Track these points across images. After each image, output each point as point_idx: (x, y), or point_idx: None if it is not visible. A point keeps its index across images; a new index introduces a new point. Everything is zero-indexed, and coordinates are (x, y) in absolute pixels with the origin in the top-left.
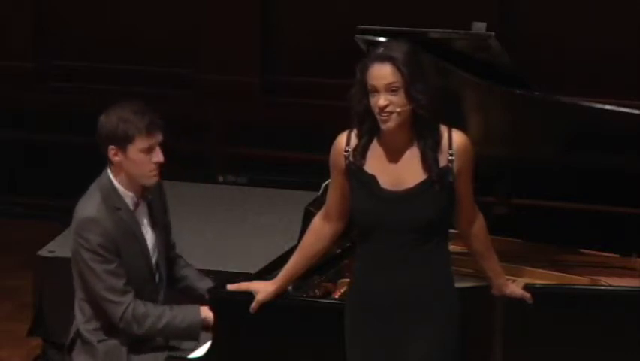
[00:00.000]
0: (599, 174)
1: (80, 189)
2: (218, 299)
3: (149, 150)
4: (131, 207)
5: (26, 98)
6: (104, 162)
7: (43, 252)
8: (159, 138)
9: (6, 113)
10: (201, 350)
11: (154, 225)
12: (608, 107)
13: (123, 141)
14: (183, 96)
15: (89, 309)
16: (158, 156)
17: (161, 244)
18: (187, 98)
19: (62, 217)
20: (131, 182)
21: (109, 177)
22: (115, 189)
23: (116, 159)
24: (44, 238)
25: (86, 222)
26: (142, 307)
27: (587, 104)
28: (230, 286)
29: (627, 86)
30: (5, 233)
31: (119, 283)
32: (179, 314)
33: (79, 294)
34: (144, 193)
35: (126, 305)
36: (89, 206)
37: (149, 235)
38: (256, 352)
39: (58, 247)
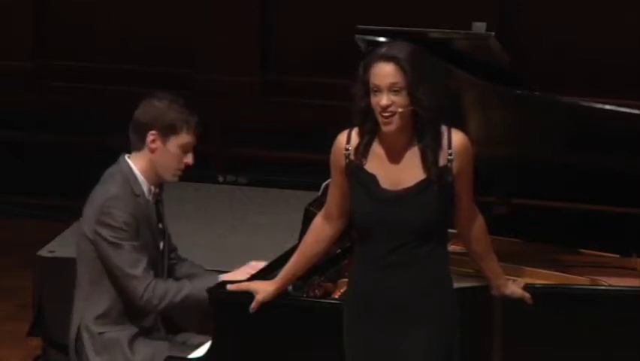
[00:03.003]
0: (599, 174)
1: (81, 189)
2: (218, 299)
3: (186, 149)
4: (148, 196)
5: (26, 98)
6: (103, 161)
7: (43, 252)
8: (196, 140)
9: (6, 113)
10: (201, 350)
11: (161, 221)
12: (608, 107)
13: (168, 130)
14: (183, 96)
15: (98, 294)
16: (190, 158)
17: (167, 240)
18: (187, 98)
19: (63, 217)
20: (153, 173)
21: (128, 164)
22: (134, 176)
23: (153, 145)
24: (44, 238)
25: (111, 200)
26: (162, 284)
27: (587, 104)
28: (230, 286)
29: (627, 86)
30: (5, 233)
31: (144, 259)
32: (199, 285)
33: (89, 278)
34: (157, 189)
35: (149, 281)
36: (111, 187)
37: (159, 229)
38: (256, 352)
39: (58, 247)
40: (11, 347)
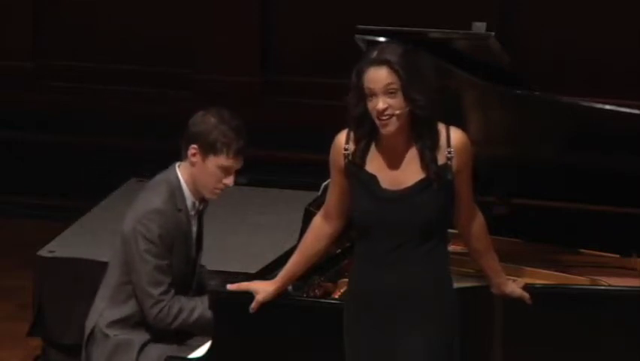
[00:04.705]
0: (599, 174)
1: (81, 189)
2: (218, 299)
3: (226, 171)
4: (191, 211)
5: (26, 98)
6: (103, 161)
7: (43, 252)
8: (240, 164)
9: (6, 113)
10: (201, 350)
11: (198, 235)
12: (608, 107)
13: (208, 148)
14: (183, 96)
15: (123, 298)
16: (230, 180)
17: (199, 255)
18: (187, 98)
19: (63, 217)
20: (194, 186)
21: (177, 175)
22: (180, 189)
23: (193, 159)
24: (44, 238)
25: (152, 213)
26: (177, 303)
27: (587, 104)
28: (230, 286)
29: (627, 86)
30: (5, 233)
31: (166, 280)
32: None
33: (118, 280)
34: (202, 206)
35: (165, 303)
36: (156, 198)
37: (195, 243)
38: (256, 352)
39: (58, 247)
40: (11, 347)
